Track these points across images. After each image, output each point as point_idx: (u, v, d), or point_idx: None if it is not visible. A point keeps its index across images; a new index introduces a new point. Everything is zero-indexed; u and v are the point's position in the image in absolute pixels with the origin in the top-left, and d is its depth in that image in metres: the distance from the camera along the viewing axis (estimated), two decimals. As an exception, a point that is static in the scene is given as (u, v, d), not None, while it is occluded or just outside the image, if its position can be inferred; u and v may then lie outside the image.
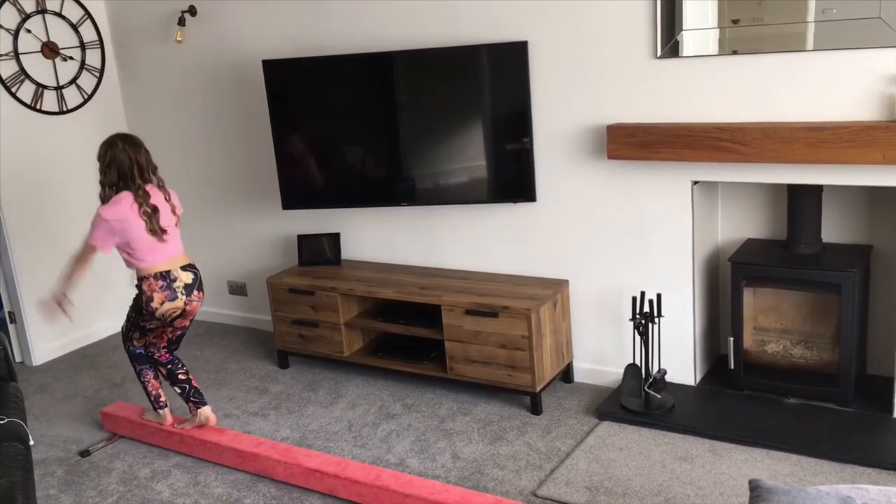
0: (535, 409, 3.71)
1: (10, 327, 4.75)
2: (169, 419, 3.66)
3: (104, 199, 3.34)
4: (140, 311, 3.43)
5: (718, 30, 3.31)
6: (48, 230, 4.74)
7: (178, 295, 3.39)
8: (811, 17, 3.11)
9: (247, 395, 4.16)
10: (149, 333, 3.54)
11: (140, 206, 3.31)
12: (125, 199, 3.31)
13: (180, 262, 3.43)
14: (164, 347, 3.58)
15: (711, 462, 3.20)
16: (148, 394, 3.64)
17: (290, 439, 3.68)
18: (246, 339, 4.91)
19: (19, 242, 4.62)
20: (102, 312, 5.10)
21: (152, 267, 3.36)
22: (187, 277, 3.43)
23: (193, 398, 3.58)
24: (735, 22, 3.26)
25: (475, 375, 3.81)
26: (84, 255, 3.41)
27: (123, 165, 3.32)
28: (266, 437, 3.65)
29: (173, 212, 3.45)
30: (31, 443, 2.94)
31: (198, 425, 3.59)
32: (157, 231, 3.33)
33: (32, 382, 4.50)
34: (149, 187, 3.36)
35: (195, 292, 3.46)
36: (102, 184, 3.36)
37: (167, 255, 3.39)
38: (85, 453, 3.69)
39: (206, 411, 3.58)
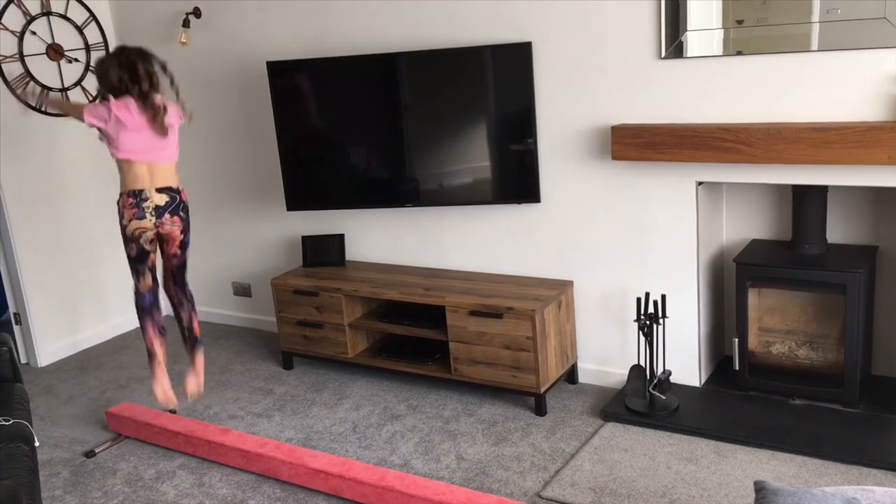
0: (540, 410, 3.71)
1: (16, 329, 4.76)
2: (161, 384, 3.56)
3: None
4: (122, 235, 3.43)
5: (723, 30, 3.30)
6: (53, 232, 4.75)
7: (146, 215, 3.34)
8: (816, 17, 3.11)
9: (251, 396, 4.16)
10: (139, 267, 3.48)
11: (146, 111, 3.30)
12: (131, 104, 3.30)
13: (159, 184, 3.37)
14: (172, 284, 3.56)
15: (716, 463, 3.20)
16: (146, 347, 3.59)
17: (294, 440, 3.69)
18: (250, 341, 4.92)
19: (24, 244, 4.63)
20: (108, 313, 5.11)
21: (133, 182, 3.33)
22: (160, 199, 3.36)
23: (188, 343, 3.60)
24: (739, 22, 3.26)
25: (479, 376, 3.81)
26: (73, 106, 3.54)
27: (113, 77, 3.29)
28: (271, 438, 3.66)
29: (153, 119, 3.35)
30: (37, 444, 2.95)
31: (189, 371, 3.61)
32: (115, 145, 3.31)
33: (37, 384, 4.51)
34: (139, 100, 3.31)
35: (167, 215, 3.38)
36: (101, 91, 3.39)
37: (145, 173, 3.33)
38: (90, 454, 3.70)
39: (198, 357, 3.60)
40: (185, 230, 3.48)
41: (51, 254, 4.76)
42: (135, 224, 3.36)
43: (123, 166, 3.36)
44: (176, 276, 3.59)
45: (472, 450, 3.48)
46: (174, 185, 3.42)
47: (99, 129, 3.35)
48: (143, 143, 3.33)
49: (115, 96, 3.32)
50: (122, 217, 3.38)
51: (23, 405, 3.12)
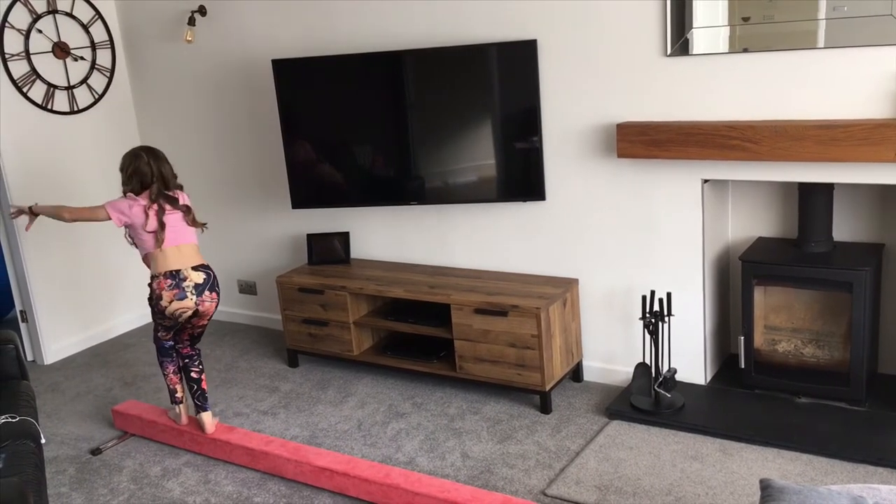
0: (545, 408, 3.71)
1: (22, 326, 4.78)
2: (184, 419, 3.67)
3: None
4: (153, 310, 3.47)
5: (729, 27, 3.29)
6: (59, 230, 4.75)
7: (188, 294, 3.40)
8: (822, 14, 3.10)
9: (257, 394, 4.17)
10: (169, 329, 3.56)
11: (155, 212, 3.38)
12: (142, 201, 3.39)
13: (192, 262, 3.44)
14: (186, 341, 3.61)
15: (722, 461, 3.19)
16: (167, 386, 3.69)
17: (299, 438, 3.69)
18: (256, 338, 4.93)
19: (31, 242, 4.64)
20: (114, 311, 5.12)
21: (166, 265, 3.38)
22: (198, 277, 3.43)
23: (197, 400, 3.60)
24: (745, 20, 3.25)
25: (484, 374, 3.81)
26: (91, 211, 3.51)
27: (146, 177, 3.40)
28: (276, 436, 3.66)
29: (186, 214, 3.48)
30: (43, 441, 2.96)
31: (187, 423, 3.66)
32: (160, 242, 3.38)
33: (44, 381, 4.52)
34: (168, 203, 3.42)
35: (206, 292, 3.45)
36: (125, 192, 3.45)
37: (181, 261, 3.41)
38: (96, 451, 3.71)
39: (203, 417, 3.58)
40: (218, 303, 3.56)
41: (57, 252, 4.77)
42: (176, 305, 3.40)
43: (156, 253, 3.41)
44: (195, 338, 3.65)
45: (477, 447, 3.48)
46: (204, 262, 3.51)
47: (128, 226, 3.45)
48: (174, 232, 3.43)
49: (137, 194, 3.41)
50: (160, 299, 3.39)
51: (29, 402, 3.13)
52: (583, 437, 3.48)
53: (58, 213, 3.56)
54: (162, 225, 3.38)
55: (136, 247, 3.49)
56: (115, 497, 3.34)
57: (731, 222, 3.81)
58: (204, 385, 3.62)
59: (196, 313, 3.46)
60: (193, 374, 3.60)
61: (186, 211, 3.47)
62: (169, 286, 3.37)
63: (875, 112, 3.08)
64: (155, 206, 3.38)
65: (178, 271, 3.39)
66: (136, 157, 3.42)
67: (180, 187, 3.53)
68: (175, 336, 3.61)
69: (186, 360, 3.61)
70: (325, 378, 4.28)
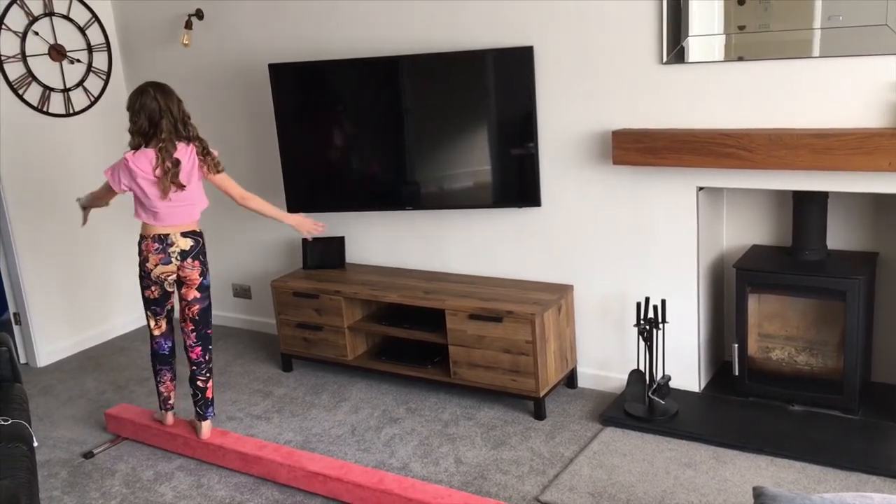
0: (539, 414, 3.71)
1: (15, 329, 4.76)
2: (170, 420, 3.67)
3: (134, 148, 3.33)
4: (139, 278, 3.45)
5: (724, 36, 3.31)
6: (54, 232, 4.75)
7: (172, 260, 3.38)
8: (817, 23, 3.11)
9: (250, 398, 4.16)
10: (156, 308, 3.50)
11: (161, 161, 3.26)
12: (149, 154, 3.28)
13: (183, 228, 3.39)
14: (192, 332, 3.50)
15: (715, 469, 3.19)
16: (159, 393, 3.65)
17: (293, 442, 3.68)
18: (250, 343, 4.92)
19: (25, 244, 4.63)
20: (108, 314, 5.11)
21: (155, 228, 3.36)
22: (185, 244, 3.39)
23: (199, 409, 3.56)
24: (741, 28, 3.26)
25: (479, 380, 3.81)
26: (100, 191, 3.50)
27: (154, 112, 3.26)
28: (269, 441, 3.65)
29: (200, 167, 3.38)
30: (35, 444, 2.94)
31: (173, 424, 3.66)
32: (167, 189, 3.27)
33: (37, 384, 4.50)
34: (178, 143, 3.30)
35: (189, 259, 3.40)
36: (132, 132, 3.33)
37: (175, 220, 3.36)
38: (88, 455, 3.69)
39: (203, 425, 3.56)
40: (204, 273, 3.48)
41: (51, 254, 4.76)
42: (161, 269, 3.39)
43: (148, 216, 3.39)
44: (197, 329, 3.50)
45: (470, 453, 3.48)
46: (197, 229, 3.46)
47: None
48: (172, 212, 3.39)
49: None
50: (146, 260, 3.39)
51: (22, 405, 3.12)
52: (577, 444, 3.48)
53: (95, 201, 3.62)
54: (176, 162, 3.26)
55: (139, 210, 3.39)
56: (108, 501, 3.33)
57: (725, 230, 3.82)
58: (209, 394, 3.56)
59: (180, 281, 3.43)
60: (199, 384, 3.55)
61: (204, 166, 3.35)
62: (156, 250, 3.36)
63: (869, 121, 3.10)
64: (160, 168, 3.25)
65: (166, 236, 3.36)
66: (143, 93, 3.29)
67: (197, 138, 3.36)
68: (181, 324, 3.52)
69: (194, 369, 3.55)
70: (319, 383, 4.28)
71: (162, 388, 3.64)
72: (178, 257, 3.39)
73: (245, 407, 4.07)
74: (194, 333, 3.51)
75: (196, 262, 3.43)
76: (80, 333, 4.96)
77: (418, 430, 3.71)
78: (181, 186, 3.31)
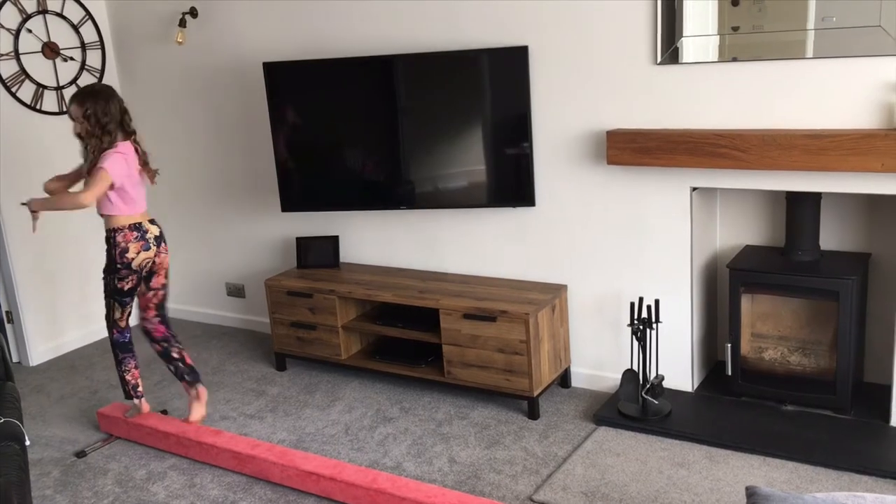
0: (533, 413, 3.71)
1: (8, 327, 4.74)
2: (146, 407, 3.72)
3: (103, 149, 3.35)
4: (114, 271, 3.47)
5: (718, 37, 3.31)
6: (46, 231, 4.72)
7: (151, 245, 3.48)
8: (811, 24, 3.12)
9: (244, 398, 4.15)
10: (127, 300, 3.56)
11: (139, 153, 3.46)
12: (129, 147, 3.42)
13: (147, 216, 3.53)
14: (156, 318, 3.63)
15: (708, 468, 3.20)
16: (126, 382, 3.68)
17: (286, 442, 3.68)
18: (243, 342, 4.91)
19: (17, 243, 4.61)
20: (100, 313, 5.08)
21: (129, 218, 3.44)
22: (155, 230, 3.53)
23: (187, 377, 3.62)
24: (735, 29, 3.27)
25: (473, 380, 3.81)
26: (99, 188, 3.31)
27: (116, 115, 3.40)
28: (263, 440, 3.65)
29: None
30: (28, 443, 2.93)
31: (194, 401, 3.67)
32: (153, 175, 3.51)
33: (29, 383, 4.49)
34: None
35: (163, 244, 3.55)
36: (107, 128, 3.35)
37: (142, 207, 3.50)
38: (81, 454, 3.68)
39: (201, 391, 3.64)
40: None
41: (43, 253, 4.75)
42: (143, 255, 3.47)
43: (122, 207, 3.45)
44: (160, 312, 3.65)
45: (464, 453, 3.48)
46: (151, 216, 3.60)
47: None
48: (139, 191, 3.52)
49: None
50: (126, 251, 3.43)
51: (14, 404, 3.11)
52: (570, 444, 3.48)
53: (63, 202, 3.45)
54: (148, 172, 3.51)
55: (121, 203, 3.41)
56: (100, 500, 3.32)
57: (719, 230, 3.83)
58: (189, 360, 3.65)
59: (153, 268, 3.52)
60: (175, 354, 3.63)
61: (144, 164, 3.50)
62: (135, 238, 3.44)
63: (863, 122, 3.11)
64: (137, 158, 3.45)
65: (140, 224, 3.47)
66: (94, 94, 3.40)
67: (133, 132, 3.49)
68: (142, 322, 3.61)
69: (165, 345, 3.63)
70: (313, 382, 4.27)
71: (129, 377, 3.68)
72: (154, 242, 3.50)
73: (238, 406, 4.06)
74: (158, 317, 3.64)
75: (166, 247, 3.58)
76: (72, 332, 4.95)
77: (412, 429, 3.71)
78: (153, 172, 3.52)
